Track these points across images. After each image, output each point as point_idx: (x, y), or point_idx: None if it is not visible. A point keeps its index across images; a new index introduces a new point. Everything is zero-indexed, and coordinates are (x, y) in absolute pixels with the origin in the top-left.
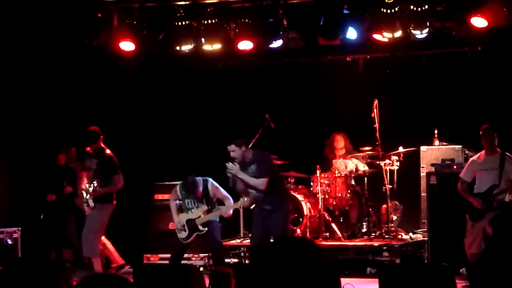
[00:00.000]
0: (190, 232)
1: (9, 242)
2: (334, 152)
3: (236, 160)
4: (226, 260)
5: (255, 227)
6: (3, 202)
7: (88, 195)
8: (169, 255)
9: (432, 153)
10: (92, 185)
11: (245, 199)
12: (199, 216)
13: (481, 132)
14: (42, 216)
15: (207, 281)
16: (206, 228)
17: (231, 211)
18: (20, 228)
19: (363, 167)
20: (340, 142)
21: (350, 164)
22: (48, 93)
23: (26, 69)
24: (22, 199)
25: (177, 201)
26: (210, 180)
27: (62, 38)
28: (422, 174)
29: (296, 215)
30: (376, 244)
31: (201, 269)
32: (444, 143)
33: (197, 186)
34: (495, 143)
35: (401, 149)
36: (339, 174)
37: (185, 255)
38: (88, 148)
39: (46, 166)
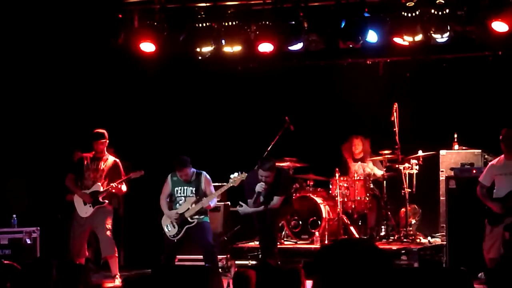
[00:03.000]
0: (180, 227)
1: (28, 241)
2: (353, 155)
3: (267, 183)
4: (245, 262)
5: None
6: (22, 201)
7: (100, 195)
8: (187, 256)
9: (452, 157)
10: (98, 186)
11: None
12: (188, 209)
13: (500, 136)
14: (60, 216)
15: (225, 283)
16: (196, 220)
17: (212, 203)
18: (39, 228)
19: (379, 173)
20: (358, 145)
21: (367, 168)
22: (67, 93)
23: (45, 70)
24: (41, 199)
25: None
26: (204, 173)
27: (83, 39)
28: (441, 178)
29: (314, 218)
30: (394, 247)
31: (219, 270)
32: (464, 148)
33: (188, 164)
34: None
35: (420, 153)
36: (358, 178)
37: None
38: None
39: (65, 166)
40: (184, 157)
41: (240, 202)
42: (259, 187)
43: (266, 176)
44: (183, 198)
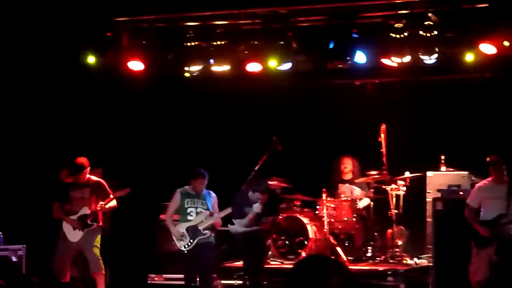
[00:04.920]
0: (192, 238)
1: (14, 259)
2: (341, 175)
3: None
4: (231, 282)
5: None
6: (8, 218)
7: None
8: (174, 275)
9: (439, 179)
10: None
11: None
12: (202, 221)
13: (490, 161)
14: (46, 234)
15: None
16: (208, 233)
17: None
18: (25, 246)
19: (365, 198)
20: (347, 165)
21: (356, 190)
22: (54, 111)
23: (32, 88)
24: (28, 216)
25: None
26: (212, 192)
27: (70, 57)
28: (428, 200)
29: (301, 238)
30: (381, 268)
31: None
32: (451, 169)
33: (205, 175)
34: (505, 172)
35: (407, 174)
36: (345, 198)
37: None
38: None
39: (51, 183)
40: (202, 169)
41: (233, 220)
42: (257, 208)
43: (262, 198)
44: (194, 209)
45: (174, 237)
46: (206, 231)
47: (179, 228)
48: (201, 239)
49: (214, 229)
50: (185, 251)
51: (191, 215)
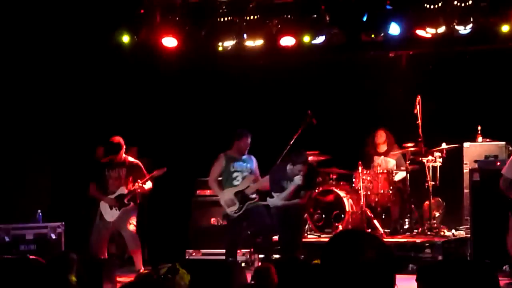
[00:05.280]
0: (241, 203)
1: (53, 236)
2: (376, 148)
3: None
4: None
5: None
6: (47, 197)
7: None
8: (211, 250)
9: (475, 150)
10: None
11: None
12: (248, 186)
13: None
14: (84, 212)
15: (248, 277)
16: (257, 196)
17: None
18: (63, 223)
19: (401, 171)
20: (381, 138)
21: (391, 162)
22: (90, 88)
23: (66, 67)
24: (66, 194)
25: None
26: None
27: (104, 35)
28: (465, 171)
29: (338, 211)
30: (418, 240)
31: (243, 264)
32: (487, 140)
33: (249, 134)
34: None
35: (444, 145)
36: (381, 171)
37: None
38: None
39: (88, 162)
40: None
41: (272, 193)
42: (299, 180)
43: (303, 170)
44: (239, 174)
45: (222, 202)
46: (254, 195)
47: (227, 193)
48: (250, 204)
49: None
50: (234, 216)
51: (237, 180)
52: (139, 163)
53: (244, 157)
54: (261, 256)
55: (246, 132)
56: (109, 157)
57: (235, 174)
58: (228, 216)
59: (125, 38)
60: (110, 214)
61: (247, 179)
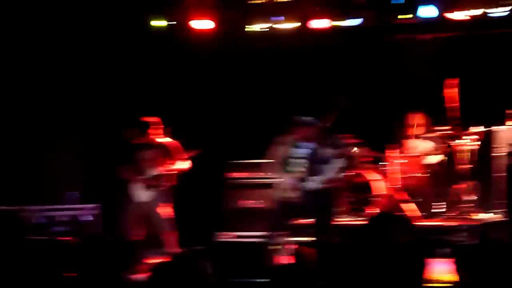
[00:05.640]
0: (301, 188)
1: (89, 218)
2: (409, 131)
3: None
4: (304, 239)
5: None
6: (83, 179)
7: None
8: (243, 233)
9: (507, 134)
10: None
11: None
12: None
13: None
14: (117, 193)
15: (281, 259)
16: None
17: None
18: (98, 205)
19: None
20: (415, 121)
21: (425, 144)
22: (124, 71)
23: (102, 48)
24: (101, 176)
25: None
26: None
27: (134, 17)
28: (497, 154)
29: (370, 194)
30: (453, 224)
31: (275, 247)
32: None
33: (316, 124)
34: None
35: (475, 129)
36: (414, 154)
37: (260, 233)
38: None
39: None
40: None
41: (308, 177)
42: (339, 163)
43: (340, 154)
44: (301, 160)
45: (284, 186)
46: (313, 181)
47: (288, 178)
48: (310, 189)
49: None
50: (293, 201)
51: (300, 165)
52: (173, 143)
53: (306, 143)
54: (296, 238)
55: (314, 121)
56: (143, 138)
57: (293, 160)
58: (284, 201)
59: (159, 22)
60: (142, 195)
61: (305, 164)
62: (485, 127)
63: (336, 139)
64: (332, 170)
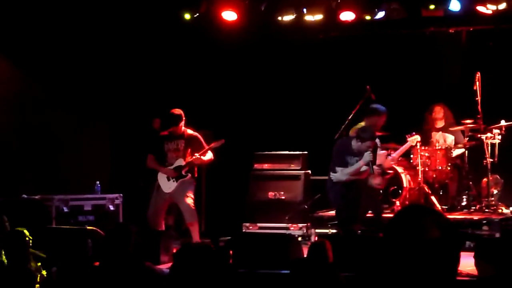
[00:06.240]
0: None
1: (111, 208)
2: (434, 124)
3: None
4: (325, 231)
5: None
6: (106, 168)
7: (183, 169)
8: (267, 224)
9: None
10: (180, 161)
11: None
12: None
13: None
14: (142, 183)
15: (305, 251)
16: None
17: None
18: (121, 195)
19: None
20: (439, 113)
21: (449, 137)
22: (149, 62)
23: (127, 41)
24: (124, 166)
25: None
26: None
27: (163, 9)
28: None
29: (395, 187)
30: (475, 217)
31: (300, 239)
32: None
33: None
34: None
35: (503, 122)
36: (439, 147)
37: (284, 225)
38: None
39: (146, 131)
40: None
41: (336, 168)
42: (369, 156)
43: (371, 146)
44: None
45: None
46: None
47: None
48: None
49: None
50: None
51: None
52: (198, 135)
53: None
54: (317, 230)
55: (385, 110)
56: (169, 129)
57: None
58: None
59: (186, 16)
60: (167, 185)
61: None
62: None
63: (369, 131)
64: (367, 161)
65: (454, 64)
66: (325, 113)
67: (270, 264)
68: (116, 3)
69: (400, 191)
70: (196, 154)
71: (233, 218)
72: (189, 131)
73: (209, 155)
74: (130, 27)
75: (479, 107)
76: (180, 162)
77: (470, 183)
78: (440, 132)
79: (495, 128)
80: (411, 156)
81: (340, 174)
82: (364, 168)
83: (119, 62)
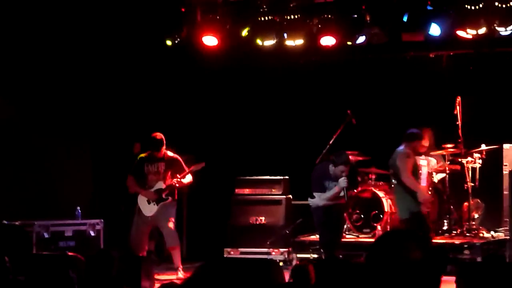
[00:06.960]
0: None
1: (92, 233)
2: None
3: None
4: (306, 256)
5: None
6: (86, 193)
7: (163, 192)
8: (249, 249)
9: None
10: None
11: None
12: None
13: None
14: (123, 208)
15: (286, 276)
16: None
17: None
18: (102, 220)
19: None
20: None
21: (432, 161)
22: (130, 88)
23: (112, 64)
24: (105, 191)
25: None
26: None
27: (145, 34)
28: (504, 172)
29: (376, 211)
30: (457, 242)
31: (281, 264)
32: None
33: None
34: None
35: (483, 146)
36: (420, 171)
37: (265, 250)
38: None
39: (127, 156)
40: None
41: (314, 193)
42: (343, 182)
43: (346, 171)
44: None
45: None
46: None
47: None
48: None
49: None
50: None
51: (422, 177)
52: (178, 157)
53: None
54: (299, 255)
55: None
56: (149, 152)
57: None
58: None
59: (168, 42)
60: (148, 208)
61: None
62: (496, 145)
63: (343, 155)
64: (340, 189)
65: (434, 88)
66: (306, 137)
67: None
68: (97, 26)
69: (381, 216)
70: (177, 176)
71: (214, 243)
72: (170, 153)
73: (188, 178)
74: (112, 52)
75: (459, 131)
76: (160, 185)
77: (451, 207)
78: (423, 156)
79: (476, 152)
80: (392, 180)
81: (318, 200)
82: (342, 193)
83: (100, 87)
